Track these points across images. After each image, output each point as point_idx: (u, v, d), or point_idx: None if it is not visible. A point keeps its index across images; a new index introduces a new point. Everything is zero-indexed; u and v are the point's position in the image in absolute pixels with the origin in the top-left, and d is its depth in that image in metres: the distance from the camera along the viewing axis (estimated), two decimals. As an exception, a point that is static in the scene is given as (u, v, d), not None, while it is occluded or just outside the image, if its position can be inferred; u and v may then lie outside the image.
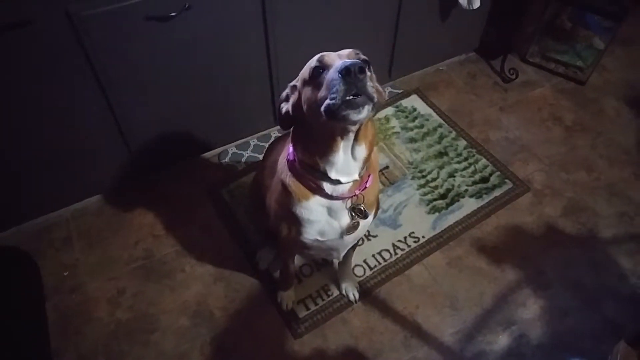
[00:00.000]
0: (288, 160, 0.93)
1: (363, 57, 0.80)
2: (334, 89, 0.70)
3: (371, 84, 0.71)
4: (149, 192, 1.68)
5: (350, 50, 0.81)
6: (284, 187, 0.95)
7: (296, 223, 0.97)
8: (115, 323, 1.38)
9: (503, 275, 1.48)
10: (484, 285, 1.45)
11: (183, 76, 1.46)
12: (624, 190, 1.69)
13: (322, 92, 0.74)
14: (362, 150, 0.84)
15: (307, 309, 1.39)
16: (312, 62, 0.79)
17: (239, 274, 1.48)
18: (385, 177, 1.71)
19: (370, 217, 1.00)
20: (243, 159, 1.78)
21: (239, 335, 1.35)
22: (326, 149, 0.82)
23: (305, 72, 0.81)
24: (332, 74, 0.72)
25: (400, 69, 2.01)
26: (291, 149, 0.92)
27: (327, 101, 0.72)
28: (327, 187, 0.88)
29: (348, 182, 0.87)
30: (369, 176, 0.93)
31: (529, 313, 1.40)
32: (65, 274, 1.49)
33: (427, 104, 1.97)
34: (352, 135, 0.81)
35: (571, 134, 1.90)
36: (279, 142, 1.22)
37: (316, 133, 0.82)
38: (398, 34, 1.81)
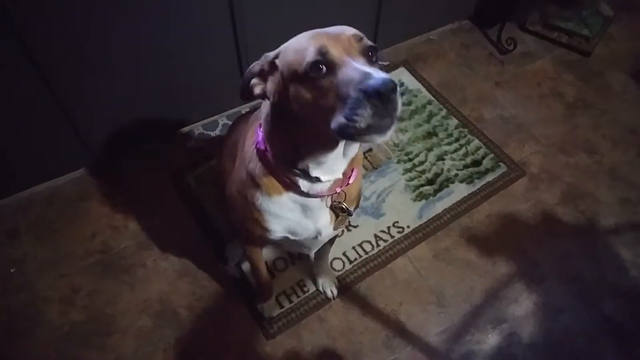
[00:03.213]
0: (258, 149, 0.79)
1: (369, 43, 0.64)
2: (357, 112, 0.55)
3: (399, 100, 0.58)
4: (107, 178, 1.53)
5: (351, 34, 0.64)
6: (251, 178, 0.81)
7: (261, 217, 0.85)
8: (69, 325, 1.26)
9: (494, 269, 1.37)
10: (474, 280, 1.35)
11: (135, 51, 1.29)
12: (627, 174, 1.57)
13: (329, 101, 0.58)
14: (354, 148, 0.73)
15: (281, 306, 1.28)
16: (309, 52, 0.61)
17: (207, 269, 1.36)
18: (368, 161, 1.57)
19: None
20: (212, 136, 1.62)
21: (206, 336, 1.25)
22: (319, 149, 0.70)
23: (296, 62, 0.62)
24: (351, 91, 0.56)
25: (386, 39, 1.84)
26: (261, 135, 0.77)
27: (343, 120, 0.57)
28: (304, 184, 0.76)
29: (328, 181, 0.75)
30: (352, 171, 0.80)
31: (521, 310, 1.30)
32: (12, 270, 1.35)
33: (416, 78, 1.80)
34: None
35: (572, 111, 1.75)
36: (242, 120, 1.07)
37: (308, 133, 0.67)
38: (384, -2, 1.62)
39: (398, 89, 0.57)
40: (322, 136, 0.66)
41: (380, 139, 0.58)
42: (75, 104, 1.32)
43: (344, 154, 0.72)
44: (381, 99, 0.54)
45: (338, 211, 0.83)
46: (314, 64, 0.60)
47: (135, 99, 1.43)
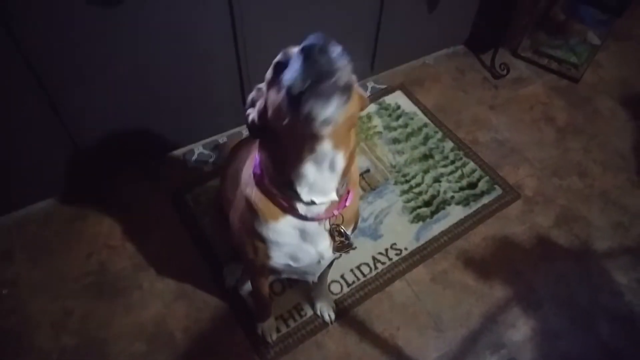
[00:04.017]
0: (254, 174, 0.79)
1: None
2: (291, 72, 0.55)
3: (346, 66, 0.55)
4: (104, 197, 1.52)
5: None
6: (249, 205, 0.80)
7: (263, 246, 0.84)
8: (59, 351, 1.23)
9: (491, 293, 1.37)
10: (471, 304, 1.35)
11: (137, 69, 1.30)
12: (619, 198, 1.60)
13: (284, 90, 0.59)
14: (339, 161, 0.68)
15: (278, 331, 1.27)
16: (277, 58, 0.64)
17: (203, 291, 1.34)
18: (366, 182, 1.58)
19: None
20: (211, 160, 1.63)
21: (202, 360, 1.22)
22: (296, 161, 0.67)
23: (269, 71, 0.66)
24: (293, 59, 0.56)
25: (384, 63, 1.87)
26: (257, 160, 0.78)
27: (284, 92, 0.56)
28: (301, 207, 0.75)
29: (323, 203, 0.74)
30: (348, 192, 0.79)
31: (519, 335, 1.30)
32: (3, 292, 1.32)
33: (412, 101, 1.83)
34: (326, 144, 0.64)
35: (564, 135, 1.79)
36: (241, 147, 1.07)
37: (285, 143, 0.66)
38: (381, 24, 1.66)
39: (335, 47, 0.54)
40: (291, 141, 0.64)
41: (325, 111, 0.54)
42: (76, 122, 1.32)
43: (331, 168, 0.69)
44: (309, 53, 0.53)
45: (336, 235, 0.81)
46: (278, 64, 0.62)
47: (136, 118, 1.43)
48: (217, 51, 1.40)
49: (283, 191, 0.74)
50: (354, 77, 0.59)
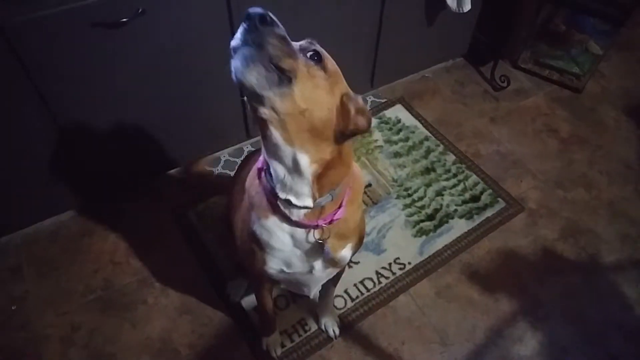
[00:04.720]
0: (258, 167, 0.78)
1: (316, 47, 0.66)
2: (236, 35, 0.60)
3: (275, 43, 0.58)
4: (109, 214, 1.54)
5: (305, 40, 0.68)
6: (249, 201, 0.81)
7: (259, 247, 0.83)
8: (67, 366, 1.24)
9: (497, 306, 1.36)
10: (476, 318, 1.33)
11: (141, 88, 1.32)
12: (626, 210, 1.58)
13: None
14: (304, 163, 0.65)
15: (282, 346, 1.26)
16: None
17: (208, 306, 1.34)
18: (368, 196, 1.58)
19: (346, 253, 0.86)
20: (213, 176, 1.64)
21: (206, 376, 1.22)
22: (263, 148, 0.68)
23: None
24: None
25: (384, 77, 1.89)
26: (262, 157, 0.76)
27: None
28: (281, 204, 0.73)
29: (299, 207, 0.71)
30: (339, 208, 0.77)
31: (526, 350, 1.28)
32: (13, 308, 1.34)
33: (413, 115, 1.85)
34: (275, 133, 0.62)
35: (567, 147, 1.78)
36: (251, 157, 1.07)
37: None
38: (381, 39, 1.68)
39: (273, 27, 0.59)
40: (258, 125, 0.65)
41: (232, 66, 0.58)
42: (80, 141, 1.34)
43: (295, 168, 0.66)
44: (249, 19, 0.59)
45: (321, 248, 0.79)
46: None
47: (139, 136, 1.45)
48: (219, 70, 1.42)
49: (270, 186, 0.72)
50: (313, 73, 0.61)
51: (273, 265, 0.84)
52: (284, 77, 0.58)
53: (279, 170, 0.68)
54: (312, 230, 0.77)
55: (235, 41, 0.59)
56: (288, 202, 0.71)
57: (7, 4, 1.00)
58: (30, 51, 1.08)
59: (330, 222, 0.77)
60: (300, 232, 0.77)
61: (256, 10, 0.58)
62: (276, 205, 0.74)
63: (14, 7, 1.01)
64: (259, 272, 0.87)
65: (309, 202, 0.71)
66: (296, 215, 0.74)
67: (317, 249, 0.81)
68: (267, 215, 0.77)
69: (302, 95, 0.60)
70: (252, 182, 0.81)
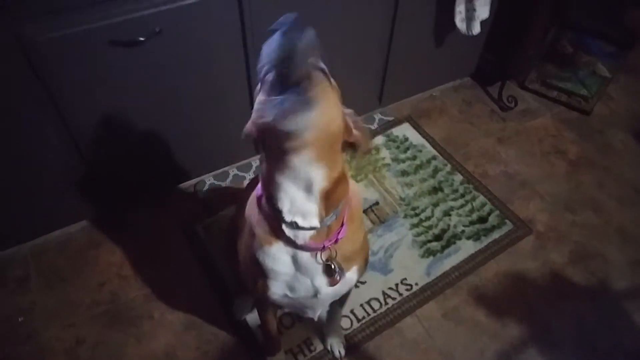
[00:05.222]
0: (257, 197, 0.78)
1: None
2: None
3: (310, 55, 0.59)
4: (117, 227, 1.55)
5: None
6: (250, 228, 0.81)
7: (262, 274, 0.83)
8: (71, 380, 1.23)
9: (505, 331, 1.34)
10: (484, 342, 1.32)
11: (154, 103, 1.34)
12: (636, 235, 1.57)
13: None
14: (318, 176, 0.65)
15: (287, 365, 1.26)
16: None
17: (213, 323, 1.34)
18: (375, 215, 1.58)
19: (352, 275, 0.86)
20: (223, 185, 1.66)
21: (210, 395, 1.21)
22: (272, 170, 0.66)
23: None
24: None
25: (392, 95, 1.90)
26: (261, 179, 0.76)
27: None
28: (287, 230, 0.72)
29: (306, 229, 0.71)
30: (341, 226, 0.77)
31: (535, 377, 1.26)
32: (20, 319, 1.34)
33: (420, 133, 1.86)
34: (300, 156, 0.62)
35: (576, 169, 1.78)
36: (252, 184, 1.08)
37: (266, 147, 0.67)
38: (390, 57, 1.70)
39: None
40: (272, 146, 0.64)
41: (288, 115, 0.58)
42: (92, 153, 1.36)
43: (307, 188, 0.66)
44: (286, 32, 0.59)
45: (329, 269, 0.79)
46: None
47: (149, 149, 1.47)
48: (231, 85, 1.44)
49: (273, 210, 0.72)
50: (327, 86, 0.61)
51: (277, 291, 0.84)
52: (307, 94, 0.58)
53: (290, 191, 0.67)
54: (318, 253, 0.77)
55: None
56: (294, 225, 0.71)
57: (30, 22, 1.03)
58: (47, 66, 1.11)
59: (336, 242, 0.77)
60: (305, 257, 0.77)
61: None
62: (280, 231, 0.73)
63: (36, 26, 1.04)
64: (263, 297, 0.87)
65: (315, 222, 0.70)
66: (302, 238, 0.73)
67: (322, 272, 0.80)
68: (271, 241, 0.76)
69: (328, 107, 0.61)
70: (251, 210, 0.81)
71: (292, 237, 0.73)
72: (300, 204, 0.69)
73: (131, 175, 1.50)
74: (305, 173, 0.65)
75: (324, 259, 0.77)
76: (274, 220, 0.73)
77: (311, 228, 0.71)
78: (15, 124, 1.19)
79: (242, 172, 1.71)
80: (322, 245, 0.75)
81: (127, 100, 1.29)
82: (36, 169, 1.31)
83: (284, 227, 0.72)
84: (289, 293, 0.84)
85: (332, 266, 0.78)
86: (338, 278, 0.81)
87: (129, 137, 1.39)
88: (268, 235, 0.76)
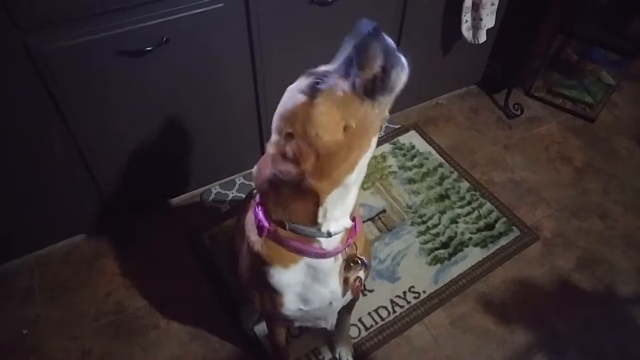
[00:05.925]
0: (263, 228, 0.74)
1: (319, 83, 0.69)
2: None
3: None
4: (122, 237, 1.54)
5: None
6: (258, 257, 0.78)
7: (273, 293, 0.82)
8: (76, 393, 1.22)
9: (513, 338, 1.33)
10: (492, 349, 1.31)
11: (161, 112, 1.34)
12: (642, 241, 1.57)
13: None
14: (362, 174, 0.70)
15: (295, 375, 1.24)
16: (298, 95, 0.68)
17: (220, 332, 1.33)
18: (382, 223, 1.58)
19: (361, 274, 0.85)
20: (228, 199, 1.65)
21: (217, 406, 1.20)
22: (344, 176, 0.67)
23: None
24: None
25: (398, 103, 1.85)
26: (261, 214, 0.75)
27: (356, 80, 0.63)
28: (324, 242, 0.73)
29: (340, 232, 0.72)
30: (354, 219, 0.77)
31: (544, 385, 1.25)
32: (24, 332, 1.33)
33: (427, 141, 1.86)
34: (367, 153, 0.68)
35: (582, 175, 1.78)
36: (247, 204, 1.04)
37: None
38: (397, 66, 1.70)
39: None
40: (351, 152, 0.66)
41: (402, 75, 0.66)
42: (98, 163, 1.35)
43: (352, 192, 0.70)
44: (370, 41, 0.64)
45: (352, 264, 0.79)
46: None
47: (155, 158, 1.47)
48: (238, 94, 1.45)
49: (303, 232, 0.72)
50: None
51: (291, 306, 0.83)
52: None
53: (337, 202, 0.68)
54: (339, 255, 0.77)
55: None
56: (328, 234, 0.71)
57: (37, 33, 1.03)
58: (54, 77, 1.11)
59: (355, 235, 0.78)
60: (327, 264, 0.77)
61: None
62: (305, 248, 0.73)
63: (43, 36, 1.04)
64: (274, 314, 0.86)
65: (348, 222, 0.72)
66: (333, 244, 0.74)
67: (335, 277, 0.80)
68: (288, 264, 0.76)
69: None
70: (256, 243, 0.78)
71: (325, 247, 0.73)
72: (340, 210, 0.70)
73: (137, 184, 1.49)
74: (361, 172, 0.68)
75: (347, 254, 0.77)
76: (300, 241, 0.72)
77: (344, 229, 0.73)
78: (21, 133, 1.18)
79: (249, 181, 1.71)
80: (346, 244, 0.76)
81: (133, 110, 1.29)
82: (41, 179, 1.31)
83: (319, 239, 0.72)
84: (303, 307, 0.83)
85: (360, 259, 0.78)
86: (363, 266, 0.80)
87: (135, 147, 1.39)
88: (286, 258, 0.75)
